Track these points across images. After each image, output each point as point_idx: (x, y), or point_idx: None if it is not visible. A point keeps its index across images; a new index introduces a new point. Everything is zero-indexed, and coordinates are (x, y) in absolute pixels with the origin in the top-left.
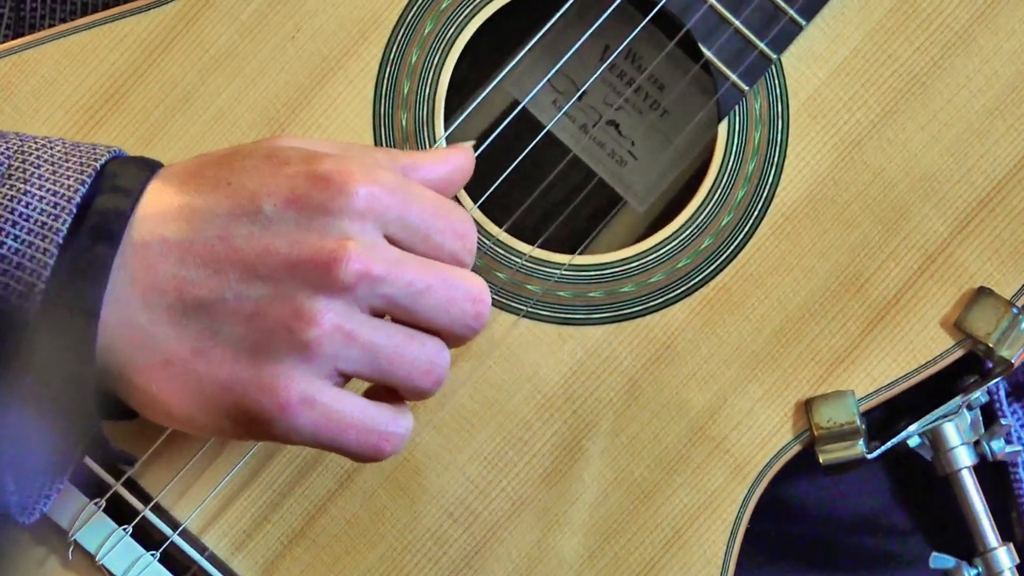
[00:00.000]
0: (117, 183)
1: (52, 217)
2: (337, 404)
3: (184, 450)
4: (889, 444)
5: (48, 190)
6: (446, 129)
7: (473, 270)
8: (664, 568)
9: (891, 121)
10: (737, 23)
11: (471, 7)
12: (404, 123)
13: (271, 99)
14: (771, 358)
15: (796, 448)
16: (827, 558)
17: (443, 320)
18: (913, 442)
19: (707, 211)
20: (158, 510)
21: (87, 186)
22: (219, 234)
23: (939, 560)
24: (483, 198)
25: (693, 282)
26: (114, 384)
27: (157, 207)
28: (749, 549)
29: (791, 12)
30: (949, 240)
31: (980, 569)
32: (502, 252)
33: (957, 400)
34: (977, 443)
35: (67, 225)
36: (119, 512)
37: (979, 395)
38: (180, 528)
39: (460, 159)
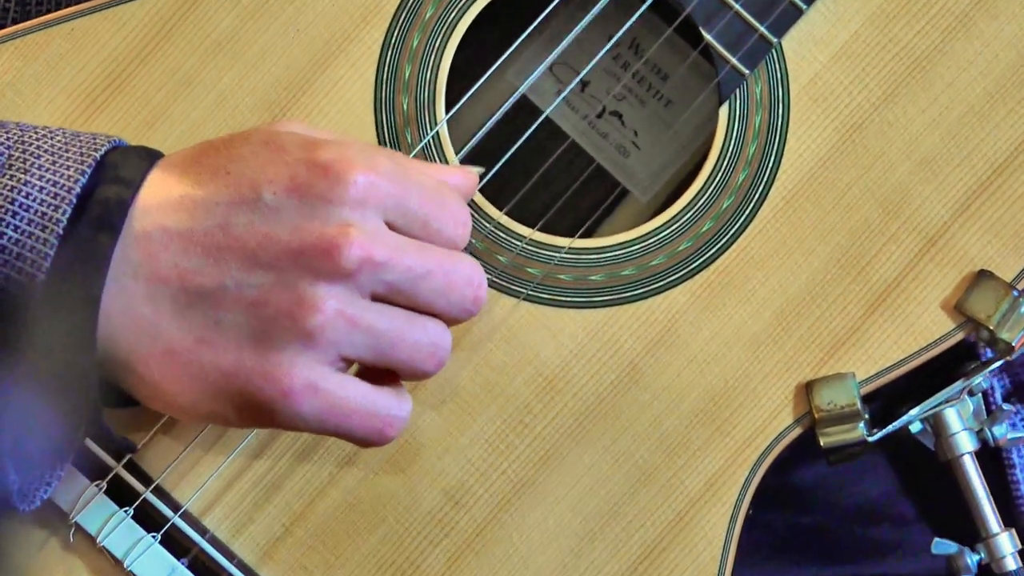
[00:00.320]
0: (118, 173)
1: (52, 208)
2: (341, 390)
3: (185, 433)
4: (890, 428)
5: (48, 180)
6: (447, 113)
7: (473, 253)
8: (665, 550)
9: (892, 105)
10: (737, 7)
11: None
12: (405, 107)
13: (272, 83)
14: (772, 341)
15: (797, 431)
16: (831, 548)
17: (442, 304)
18: (915, 428)
19: (708, 194)
20: (159, 492)
21: (87, 176)
22: (220, 223)
23: (941, 546)
24: (483, 181)
25: (694, 265)
26: (117, 374)
27: (158, 197)
28: (754, 540)
29: None
30: (950, 223)
31: (982, 555)
32: (503, 235)
33: (958, 384)
34: (979, 429)
35: (67, 216)
36: (120, 494)
37: (980, 380)
38: (181, 510)
39: (462, 180)
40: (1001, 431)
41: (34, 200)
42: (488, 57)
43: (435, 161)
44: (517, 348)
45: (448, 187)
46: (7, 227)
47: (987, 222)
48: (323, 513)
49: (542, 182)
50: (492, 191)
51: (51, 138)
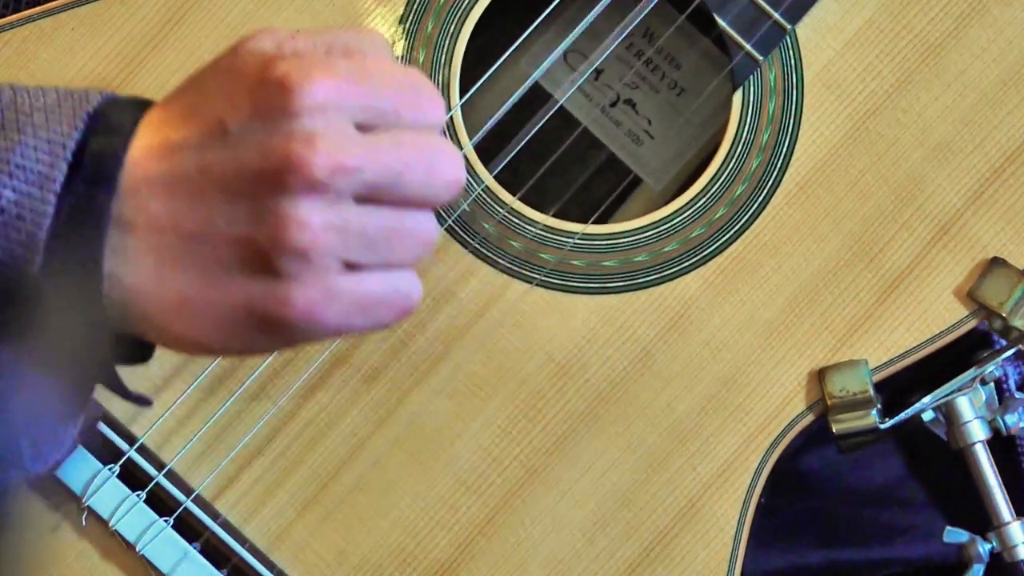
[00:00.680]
0: (110, 125)
1: (48, 166)
2: (357, 287)
3: (197, 417)
4: (902, 415)
5: (43, 138)
6: (460, 98)
7: (487, 239)
8: (677, 536)
9: (905, 91)
10: None
11: None
12: None
13: None
14: (784, 327)
15: (809, 418)
16: (840, 530)
17: (427, 193)
18: (927, 417)
19: (721, 181)
20: (171, 476)
21: (80, 131)
22: (196, 164)
23: (953, 535)
24: (497, 168)
25: (707, 251)
26: (138, 328)
27: (142, 149)
28: (760, 524)
29: None
30: (963, 210)
31: (994, 543)
32: (516, 221)
33: (971, 372)
34: (992, 418)
35: (63, 173)
36: (133, 478)
37: (992, 368)
38: (193, 494)
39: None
40: (1014, 419)
41: (29, 160)
42: (503, 44)
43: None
44: (530, 334)
45: (415, 72)
46: (5, 188)
47: (1000, 209)
48: (335, 498)
49: (555, 169)
50: (506, 177)
51: (44, 96)
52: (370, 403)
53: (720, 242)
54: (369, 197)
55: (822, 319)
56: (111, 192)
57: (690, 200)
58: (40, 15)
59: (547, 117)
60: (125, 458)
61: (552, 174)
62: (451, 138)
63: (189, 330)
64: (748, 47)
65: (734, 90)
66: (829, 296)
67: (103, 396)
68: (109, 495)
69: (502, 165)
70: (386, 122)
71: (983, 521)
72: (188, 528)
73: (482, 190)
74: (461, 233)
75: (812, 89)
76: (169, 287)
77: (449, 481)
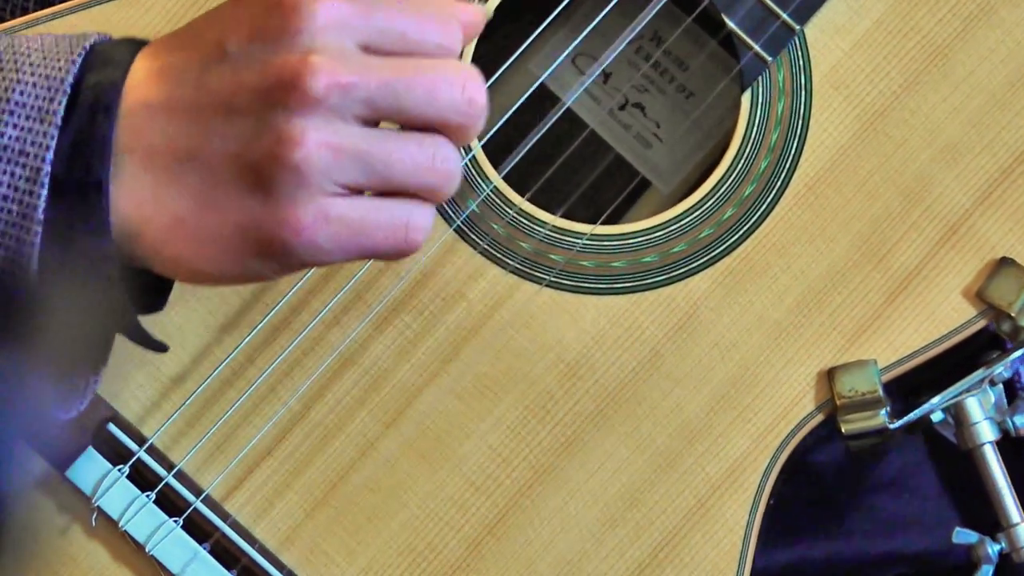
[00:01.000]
0: (106, 59)
1: (47, 100)
2: (352, 211)
3: (207, 417)
4: (912, 415)
5: (41, 75)
6: None
7: (496, 240)
8: (686, 537)
9: (913, 92)
10: None
11: None
12: None
13: None
14: (793, 327)
15: (819, 418)
16: (845, 519)
17: (432, 113)
18: (936, 418)
19: (730, 181)
20: (181, 477)
21: (78, 65)
22: (194, 85)
23: (962, 535)
24: (506, 169)
25: (716, 252)
26: (135, 254)
27: (139, 76)
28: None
29: None
30: (971, 211)
31: (1003, 544)
32: (525, 222)
33: (979, 372)
34: (1001, 420)
35: (63, 105)
36: (142, 479)
37: (1001, 369)
38: (203, 495)
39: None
40: (1022, 421)
41: (28, 96)
42: (513, 48)
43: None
44: (539, 334)
45: None
46: (6, 126)
47: (1008, 209)
48: (344, 498)
49: (564, 172)
50: (515, 179)
51: (41, 40)
52: (379, 404)
53: (729, 243)
54: (371, 118)
55: (831, 319)
56: (111, 120)
57: (699, 201)
58: (48, 17)
59: (555, 119)
60: (135, 459)
61: (561, 177)
62: None
63: (184, 251)
64: (757, 48)
65: (743, 91)
66: (838, 296)
67: (112, 396)
68: (119, 496)
69: (511, 166)
70: (392, 41)
71: (992, 522)
72: (198, 529)
73: (491, 191)
74: (470, 234)
75: (821, 90)
76: (165, 209)
77: (458, 481)
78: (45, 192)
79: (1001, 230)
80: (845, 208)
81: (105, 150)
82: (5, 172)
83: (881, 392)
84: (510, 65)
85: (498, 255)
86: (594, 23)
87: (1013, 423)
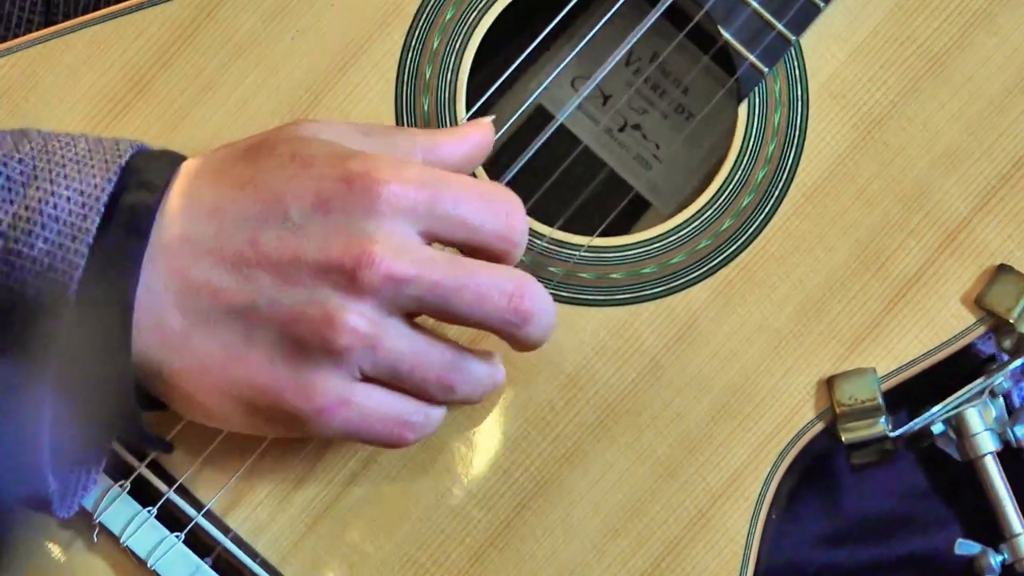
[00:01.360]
0: (143, 178)
1: (81, 217)
2: (368, 401)
3: (208, 433)
4: (912, 424)
5: (75, 190)
6: (467, 112)
7: None
8: (687, 546)
9: (911, 100)
10: (754, 4)
11: None
12: (426, 107)
13: (294, 86)
14: (793, 336)
15: (819, 426)
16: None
17: (476, 317)
18: (937, 430)
19: (727, 192)
20: (182, 492)
21: (113, 184)
22: (248, 239)
23: (964, 546)
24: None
25: (714, 262)
26: (150, 382)
27: (184, 205)
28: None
29: None
30: (970, 218)
31: (1006, 555)
32: None
33: (980, 382)
34: (1002, 431)
35: (96, 225)
36: (143, 494)
37: (1001, 380)
38: (204, 510)
39: (479, 135)
40: (1023, 431)
41: (62, 211)
42: (512, 63)
43: None
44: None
45: (490, 184)
46: (37, 239)
47: (1007, 216)
48: (346, 511)
49: (564, 194)
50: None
51: (74, 146)
52: None
53: (727, 253)
54: (416, 311)
55: (830, 328)
56: (144, 242)
57: (697, 212)
58: (47, 37)
59: (549, 135)
60: (136, 474)
61: (560, 199)
62: None
63: (199, 395)
64: (752, 58)
65: (739, 102)
66: (837, 305)
67: None
68: (120, 511)
69: (507, 182)
70: (454, 229)
71: (994, 532)
72: (199, 543)
73: None
74: None
75: (817, 99)
76: (192, 353)
77: (460, 493)
78: (70, 308)
79: (1000, 236)
80: (843, 216)
81: (135, 273)
82: (31, 287)
83: (880, 400)
84: (512, 88)
85: None
86: (583, 43)
87: (1014, 434)
